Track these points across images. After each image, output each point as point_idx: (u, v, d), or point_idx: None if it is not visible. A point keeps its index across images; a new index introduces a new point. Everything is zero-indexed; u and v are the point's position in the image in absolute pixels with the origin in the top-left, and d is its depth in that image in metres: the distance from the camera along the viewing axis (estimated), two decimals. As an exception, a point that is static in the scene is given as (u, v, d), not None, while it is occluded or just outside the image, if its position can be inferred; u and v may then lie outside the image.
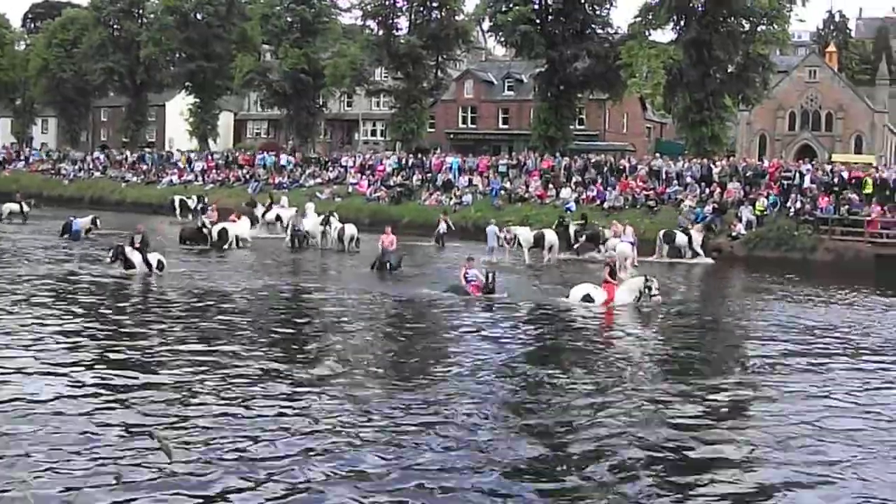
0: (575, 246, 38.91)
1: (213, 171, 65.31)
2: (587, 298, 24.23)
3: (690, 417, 13.28)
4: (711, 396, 14.56)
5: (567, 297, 24.74)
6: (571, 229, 38.99)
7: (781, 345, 19.80)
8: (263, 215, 44.49)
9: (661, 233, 39.32)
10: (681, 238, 38.95)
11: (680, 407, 13.85)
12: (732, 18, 53.74)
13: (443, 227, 42.74)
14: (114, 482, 9.96)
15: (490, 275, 25.38)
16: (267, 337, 18.87)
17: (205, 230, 37.95)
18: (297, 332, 19.92)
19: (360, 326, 20.75)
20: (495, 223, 38.26)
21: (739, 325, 23.28)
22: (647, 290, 24.00)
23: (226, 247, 37.38)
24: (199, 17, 76.66)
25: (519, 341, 19.55)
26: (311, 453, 11.16)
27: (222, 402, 13.36)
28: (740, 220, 41.34)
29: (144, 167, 68.82)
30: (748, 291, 30.94)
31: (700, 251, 38.75)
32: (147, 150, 76.11)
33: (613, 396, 14.44)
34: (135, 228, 30.24)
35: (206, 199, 50.51)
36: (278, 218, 43.57)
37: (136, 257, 28.09)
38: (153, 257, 28.51)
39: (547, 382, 15.32)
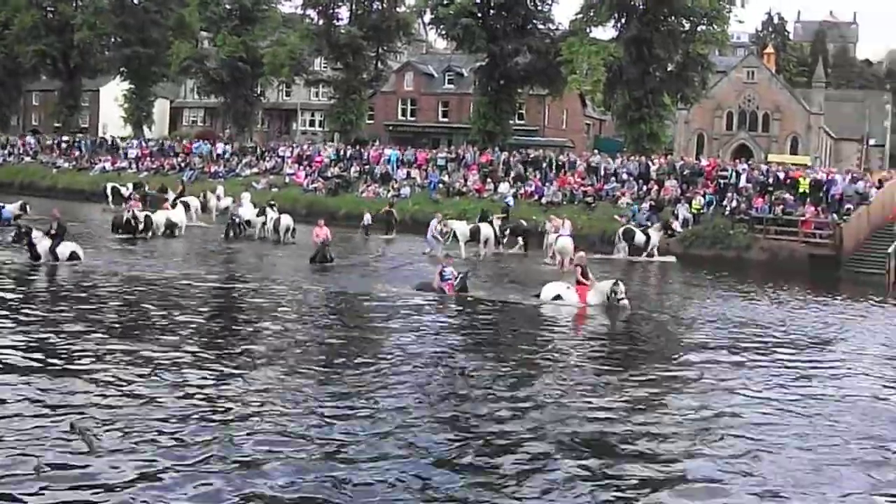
0: (503, 241, 38.68)
1: (148, 158, 64.22)
2: (558, 298, 23.85)
3: (610, 409, 13.31)
4: (634, 389, 14.68)
5: (538, 295, 24.30)
6: (494, 223, 38.70)
7: (708, 340, 20.13)
8: (174, 201, 43.42)
9: (621, 231, 39.12)
10: (640, 237, 38.90)
11: (601, 399, 13.94)
12: (673, 18, 53.99)
13: (367, 218, 42.39)
14: (33, 473, 9.65)
15: (462, 273, 24.87)
16: (192, 328, 18.31)
17: (132, 220, 36.85)
18: (226, 323, 19.43)
19: (296, 318, 20.31)
20: (441, 216, 37.95)
21: (671, 320, 23.20)
22: (613, 295, 23.43)
23: (149, 235, 36.52)
24: (135, 1, 75.13)
25: (460, 335, 19.30)
26: (238, 440, 11.03)
27: (143, 390, 13.03)
28: (677, 218, 41.45)
29: (77, 153, 67.52)
30: (683, 288, 30.95)
31: (654, 252, 38.65)
32: (80, 135, 74.69)
33: (539, 388, 14.45)
34: (50, 214, 28.67)
35: (146, 187, 49.45)
36: (186, 206, 42.46)
37: (42, 246, 26.29)
38: (67, 247, 26.80)
39: (477, 374, 15.28)
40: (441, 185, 51.13)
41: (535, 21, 61.23)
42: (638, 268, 36.26)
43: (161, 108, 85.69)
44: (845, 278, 35.64)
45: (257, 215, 39.60)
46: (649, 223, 40.28)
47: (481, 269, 32.20)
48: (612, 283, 23.93)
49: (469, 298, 23.99)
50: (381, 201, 49.59)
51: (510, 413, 12.88)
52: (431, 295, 24.08)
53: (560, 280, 25.61)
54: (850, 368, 17.83)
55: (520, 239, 38.69)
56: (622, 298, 23.43)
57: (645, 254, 38.35)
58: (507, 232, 38.88)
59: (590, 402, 13.69)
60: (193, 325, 18.57)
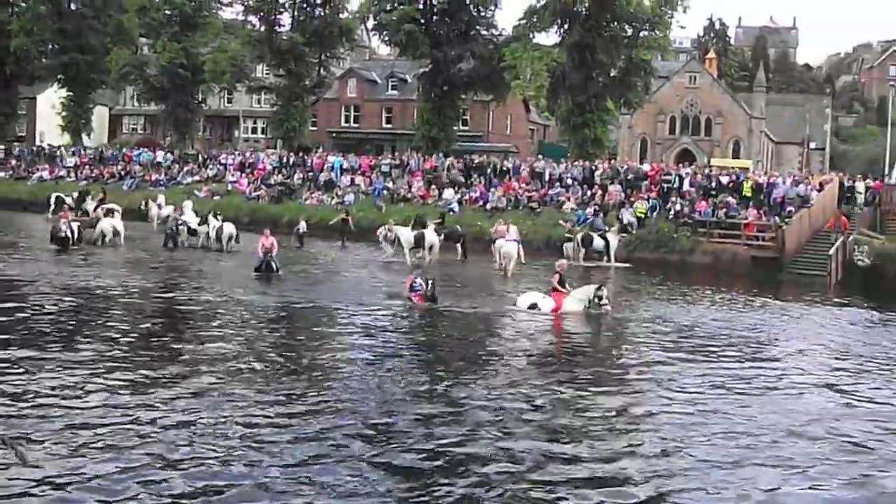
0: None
1: (87, 167, 63.17)
2: (533, 307, 23.53)
3: (541, 410, 13.51)
4: (569, 390, 14.81)
5: (514, 304, 24.03)
6: (430, 228, 38.48)
7: (649, 342, 20.34)
8: (95, 209, 42.55)
9: (580, 236, 39.08)
10: (598, 242, 38.81)
11: (534, 401, 14.10)
12: (615, 23, 54.29)
13: (303, 226, 41.91)
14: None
15: (430, 283, 24.38)
16: (123, 336, 17.84)
17: (62, 232, 35.82)
18: (161, 332, 18.97)
19: (233, 328, 19.85)
20: (392, 222, 37.69)
21: (615, 323, 23.04)
22: (596, 300, 23.24)
23: (100, 243, 35.86)
24: (73, 7, 73.68)
25: (414, 346, 19.12)
26: (175, 450, 10.91)
27: (79, 402, 12.81)
28: (621, 222, 41.47)
29: (13, 162, 66.25)
30: (625, 292, 30.84)
31: (614, 257, 38.62)
32: (16, 144, 73.25)
33: (473, 391, 14.45)
34: None
35: (92, 195, 48.38)
36: (107, 212, 41.60)
37: None
38: None
39: (411, 379, 15.24)
40: (385, 192, 50.78)
41: (478, 27, 61.24)
42: (584, 272, 36.15)
43: (100, 116, 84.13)
44: (787, 280, 35.91)
45: (199, 224, 38.98)
46: (607, 227, 40.26)
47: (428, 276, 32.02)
48: (594, 287, 23.81)
49: (438, 309, 23.52)
50: (325, 209, 49.25)
51: (441, 416, 12.88)
52: (377, 304, 23.75)
53: (506, 285, 25.44)
54: (786, 369, 18.08)
55: (458, 245, 38.40)
56: (605, 304, 23.26)
57: (606, 258, 38.33)
58: (442, 237, 38.61)
59: (523, 406, 13.75)
60: (125, 334, 18.20)
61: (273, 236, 30.19)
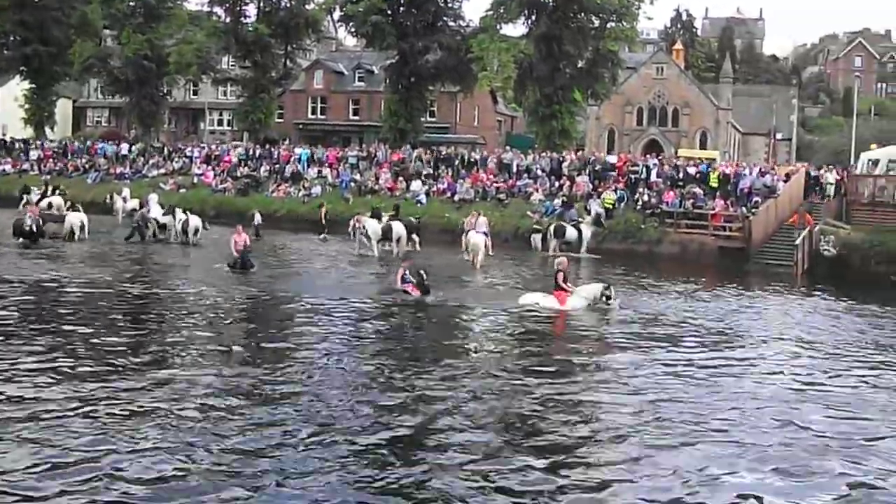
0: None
1: (50, 160, 62.46)
2: (536, 307, 22.85)
3: (507, 408, 13.28)
4: (535, 387, 14.49)
5: (517, 305, 23.34)
6: (384, 220, 38.31)
7: (616, 333, 20.27)
8: (37, 203, 41.97)
9: (552, 227, 39.02)
10: (571, 233, 38.75)
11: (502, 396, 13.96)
12: (583, 15, 54.22)
13: (258, 218, 41.49)
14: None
15: (421, 273, 24.01)
16: (84, 333, 17.46)
17: (26, 225, 35.30)
18: (127, 328, 18.59)
19: (203, 322, 19.55)
20: (366, 215, 37.52)
21: (582, 315, 22.85)
22: (603, 299, 22.99)
23: (75, 238, 35.40)
24: (35, -2, 72.84)
25: (378, 336, 18.90)
26: (136, 445, 10.74)
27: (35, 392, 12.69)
28: (589, 213, 41.42)
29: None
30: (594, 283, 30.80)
31: (585, 248, 38.64)
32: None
33: (443, 384, 14.35)
34: None
35: (60, 189, 47.58)
36: (50, 206, 41.11)
37: None
38: None
39: (385, 374, 14.96)
40: (353, 184, 50.54)
41: (445, 18, 61.02)
42: (551, 263, 36.08)
43: (64, 109, 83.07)
44: (754, 270, 36.03)
45: (164, 215, 38.64)
46: (580, 219, 40.22)
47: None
48: (602, 286, 23.45)
49: (430, 302, 23.28)
50: (292, 201, 48.98)
51: (402, 404, 12.94)
52: (355, 297, 23.51)
53: (474, 276, 25.18)
54: (748, 357, 18.14)
55: (414, 236, 38.06)
56: (612, 302, 23.05)
57: (582, 249, 38.36)
58: (362, 230, 38.45)
59: (482, 394, 13.77)
60: (87, 325, 18.00)
61: (245, 233, 29.54)
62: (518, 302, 23.54)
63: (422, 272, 24.29)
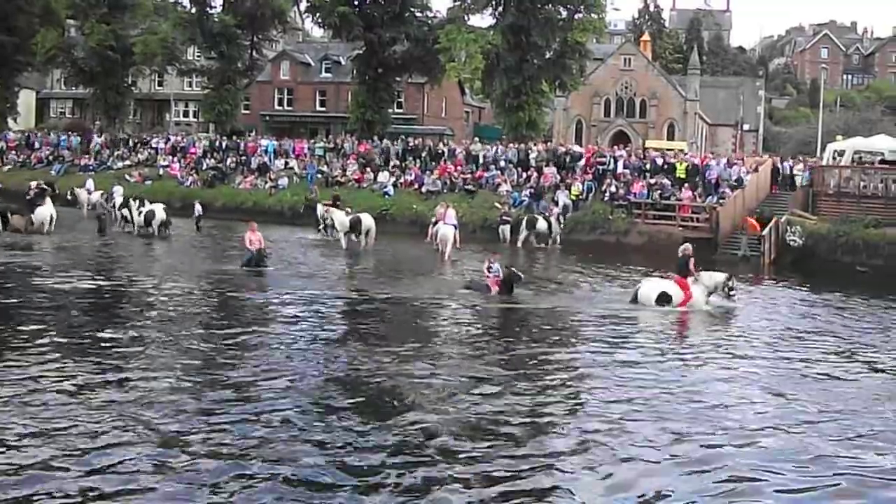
0: (320, 227, 38.08)
1: (13, 151, 61.74)
2: (663, 297, 22.09)
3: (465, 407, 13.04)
4: (506, 383, 14.43)
5: (635, 297, 22.52)
6: (318, 211, 38.17)
7: (585, 326, 20.24)
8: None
9: (524, 219, 39.19)
10: (542, 224, 38.85)
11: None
12: (550, 5, 53.99)
13: (198, 209, 41.14)
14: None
15: (516, 273, 23.30)
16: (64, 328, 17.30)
17: None
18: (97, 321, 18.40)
19: (180, 313, 19.34)
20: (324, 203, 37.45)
21: (543, 306, 22.78)
22: (726, 290, 22.42)
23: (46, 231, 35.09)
24: (-3, -13, 71.74)
25: (350, 331, 18.75)
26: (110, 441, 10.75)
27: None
28: (556, 205, 41.38)
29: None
30: (563, 275, 30.73)
31: (557, 239, 38.86)
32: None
33: (405, 380, 14.28)
34: None
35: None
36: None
37: None
38: None
39: (352, 367, 14.93)
40: (319, 176, 50.21)
41: (412, 9, 60.70)
42: (522, 254, 36.08)
43: (26, 100, 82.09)
44: (721, 260, 35.97)
45: (120, 207, 38.34)
46: (550, 210, 40.27)
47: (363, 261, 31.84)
48: (725, 276, 22.89)
49: (512, 303, 22.61)
50: (259, 192, 48.71)
51: (373, 396, 13.13)
52: (322, 290, 23.31)
53: (443, 269, 24.95)
54: (703, 344, 18.41)
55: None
56: (734, 294, 22.65)
57: (550, 240, 38.48)
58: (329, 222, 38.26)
59: (437, 387, 13.88)
60: (56, 319, 17.91)
61: (258, 231, 28.03)
62: (639, 290, 22.69)
63: (516, 271, 23.57)
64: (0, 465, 9.84)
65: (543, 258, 35.67)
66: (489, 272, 23.78)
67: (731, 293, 22.61)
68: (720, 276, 22.89)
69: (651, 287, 22.56)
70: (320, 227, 37.71)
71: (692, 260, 22.75)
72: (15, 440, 10.63)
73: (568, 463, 10.68)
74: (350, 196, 43.34)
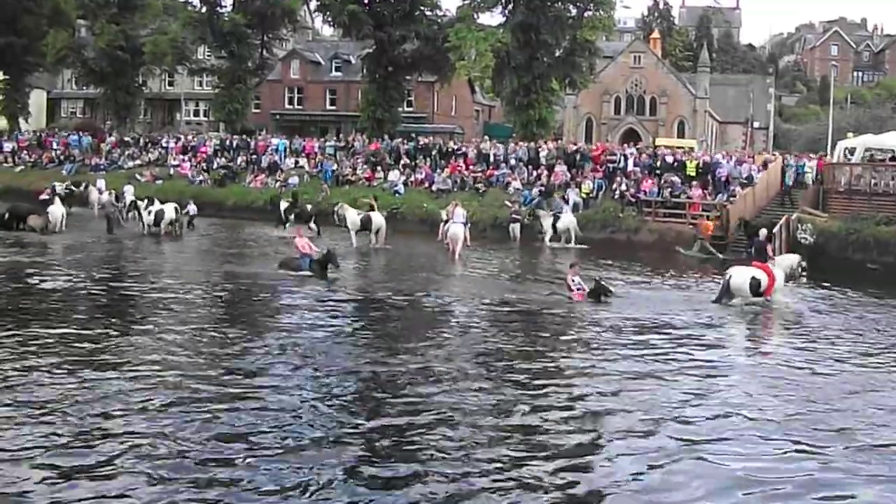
0: (286, 225, 38.31)
1: (25, 151, 62.00)
2: (754, 283, 22.14)
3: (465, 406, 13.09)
4: (502, 381, 14.55)
5: (727, 286, 22.46)
6: (282, 207, 38.49)
7: (597, 325, 20.08)
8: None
9: (551, 217, 39.05)
10: (568, 220, 38.68)
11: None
12: (560, 3, 54.00)
13: (192, 208, 40.98)
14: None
15: (605, 286, 22.90)
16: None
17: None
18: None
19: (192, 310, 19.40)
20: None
21: (550, 303, 22.80)
22: (799, 269, 23.33)
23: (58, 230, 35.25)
24: (7, -12, 71.92)
25: (356, 329, 18.78)
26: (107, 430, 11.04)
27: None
28: (567, 203, 41.38)
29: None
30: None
31: (550, 235, 38.72)
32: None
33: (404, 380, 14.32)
34: None
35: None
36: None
37: None
38: None
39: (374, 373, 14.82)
40: (331, 174, 50.38)
41: (422, 7, 60.70)
42: (532, 252, 36.13)
43: (37, 100, 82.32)
44: (732, 259, 35.96)
45: (129, 208, 38.60)
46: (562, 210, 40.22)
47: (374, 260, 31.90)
48: (797, 258, 23.82)
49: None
50: (269, 191, 48.81)
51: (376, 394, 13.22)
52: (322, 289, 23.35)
53: (453, 268, 24.94)
54: (712, 342, 18.44)
55: (310, 223, 37.79)
56: (805, 274, 23.50)
57: (569, 240, 38.37)
58: (293, 217, 38.53)
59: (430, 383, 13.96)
60: (73, 315, 17.79)
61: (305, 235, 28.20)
62: (730, 279, 22.61)
63: (605, 284, 23.23)
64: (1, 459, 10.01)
65: (571, 257, 35.39)
66: (572, 286, 23.17)
67: (804, 272, 23.40)
68: (794, 258, 23.67)
69: (742, 276, 22.53)
70: (285, 224, 38.11)
71: (770, 245, 23.49)
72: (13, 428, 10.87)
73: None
74: (360, 195, 43.37)
